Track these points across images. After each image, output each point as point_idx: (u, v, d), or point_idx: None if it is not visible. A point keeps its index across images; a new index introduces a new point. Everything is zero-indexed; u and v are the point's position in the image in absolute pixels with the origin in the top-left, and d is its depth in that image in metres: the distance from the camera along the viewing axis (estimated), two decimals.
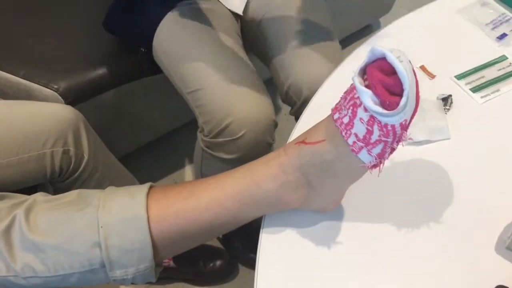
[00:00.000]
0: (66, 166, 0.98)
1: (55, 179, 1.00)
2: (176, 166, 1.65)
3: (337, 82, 0.88)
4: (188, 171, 1.63)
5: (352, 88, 0.57)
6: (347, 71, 0.89)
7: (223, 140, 1.02)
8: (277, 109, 1.40)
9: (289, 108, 1.14)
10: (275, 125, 1.06)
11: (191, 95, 1.06)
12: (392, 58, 0.52)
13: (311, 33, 1.08)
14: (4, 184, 0.88)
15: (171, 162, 1.66)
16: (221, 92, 1.00)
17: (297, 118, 1.13)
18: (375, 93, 0.53)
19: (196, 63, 1.03)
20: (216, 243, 1.48)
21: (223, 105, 0.99)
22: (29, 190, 0.96)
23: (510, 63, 0.91)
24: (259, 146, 1.04)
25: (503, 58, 0.92)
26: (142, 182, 1.28)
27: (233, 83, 1.01)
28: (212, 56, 1.04)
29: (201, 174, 1.21)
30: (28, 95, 1.14)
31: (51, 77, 1.13)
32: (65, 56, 1.20)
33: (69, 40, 1.22)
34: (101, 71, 1.20)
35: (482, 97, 0.86)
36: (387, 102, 0.52)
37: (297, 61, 1.05)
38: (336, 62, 1.04)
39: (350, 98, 0.57)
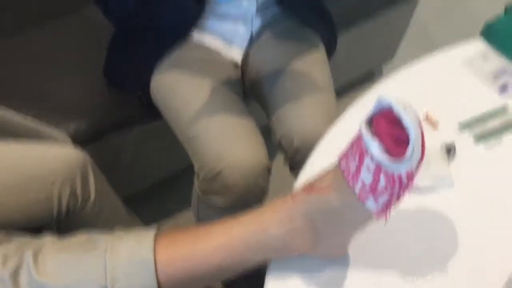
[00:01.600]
0: (73, 206, 0.99)
1: (61, 219, 1.00)
2: (180, 208, 1.65)
3: (342, 130, 0.90)
4: (191, 214, 1.63)
5: (359, 136, 0.58)
6: (352, 119, 0.91)
7: (216, 185, 1.03)
8: (275, 153, 1.42)
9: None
10: (269, 170, 1.07)
11: (187, 142, 1.08)
12: (398, 109, 0.54)
13: (306, 85, 1.10)
14: (11, 224, 0.88)
15: (175, 204, 1.66)
16: (215, 139, 1.02)
17: (290, 167, 1.14)
18: (382, 143, 0.54)
19: (192, 110, 1.06)
20: (220, 287, 1.47)
21: (216, 152, 1.01)
22: (34, 229, 0.96)
23: None
24: (253, 191, 1.05)
25: (505, 108, 0.94)
26: (146, 223, 1.29)
27: (228, 130, 1.03)
28: (208, 103, 1.06)
29: (198, 219, 1.22)
30: (38, 136, 1.15)
31: (61, 119, 1.16)
32: (75, 99, 1.23)
33: (79, 84, 1.25)
34: (108, 114, 1.23)
35: (485, 146, 0.87)
36: (394, 152, 0.54)
37: (290, 113, 1.08)
38: (329, 114, 1.07)
39: (357, 147, 0.58)
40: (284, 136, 1.08)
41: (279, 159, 1.17)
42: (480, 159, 0.85)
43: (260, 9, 1.18)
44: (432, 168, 0.81)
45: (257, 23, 1.19)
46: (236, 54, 1.20)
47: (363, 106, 0.93)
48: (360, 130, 0.56)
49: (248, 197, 1.05)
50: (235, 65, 1.21)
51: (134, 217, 1.22)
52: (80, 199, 0.99)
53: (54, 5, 1.45)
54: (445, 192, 0.80)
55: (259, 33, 1.21)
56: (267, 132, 1.14)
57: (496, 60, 1.04)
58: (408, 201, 0.76)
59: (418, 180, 0.79)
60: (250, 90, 1.24)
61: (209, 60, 1.15)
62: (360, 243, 0.70)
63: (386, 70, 2.15)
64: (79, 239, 0.65)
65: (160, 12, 1.01)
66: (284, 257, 0.67)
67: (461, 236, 0.74)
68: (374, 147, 0.54)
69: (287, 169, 1.16)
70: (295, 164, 1.10)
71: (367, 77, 2.08)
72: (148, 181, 1.53)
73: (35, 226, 0.96)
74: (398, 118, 0.54)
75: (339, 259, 0.69)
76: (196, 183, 1.12)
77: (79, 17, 1.42)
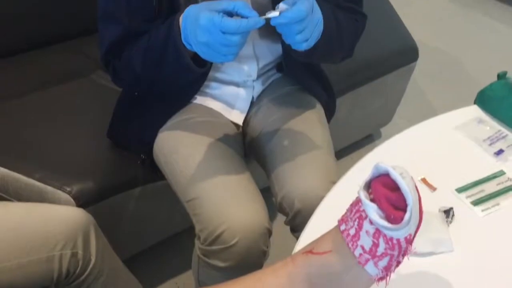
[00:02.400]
0: (73, 269, 0.98)
1: (61, 282, 0.99)
2: (179, 270, 1.64)
3: (342, 193, 0.91)
4: (190, 276, 1.62)
5: (358, 200, 0.60)
6: (351, 182, 0.93)
7: (217, 248, 1.03)
8: (276, 214, 1.42)
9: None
10: (269, 233, 1.07)
11: (188, 204, 1.09)
12: (395, 175, 0.55)
13: (305, 146, 1.12)
14: (11, 286, 0.88)
15: (175, 266, 1.65)
16: (216, 202, 1.03)
17: (291, 229, 1.15)
18: (380, 208, 0.56)
19: (193, 172, 1.07)
20: None
21: (217, 214, 1.02)
22: None
23: (508, 178, 0.94)
24: (253, 254, 1.05)
25: (501, 173, 0.96)
26: (145, 284, 1.27)
27: (228, 192, 1.05)
28: (209, 166, 1.08)
29: (198, 281, 1.21)
30: (41, 197, 1.17)
31: (64, 180, 1.17)
32: (78, 160, 1.25)
33: (83, 145, 1.28)
34: (111, 175, 1.24)
35: (482, 210, 0.88)
36: (392, 217, 0.55)
37: (290, 175, 1.09)
38: (329, 176, 1.08)
39: (356, 211, 0.59)
40: (284, 198, 1.09)
41: (280, 220, 1.17)
42: (478, 223, 0.86)
43: (261, 75, 1.22)
44: (431, 232, 0.82)
45: (258, 88, 1.23)
46: (237, 117, 1.23)
47: (362, 169, 0.95)
48: (358, 195, 0.58)
49: (249, 259, 1.05)
50: (236, 126, 1.23)
51: (133, 279, 1.21)
52: (80, 262, 0.99)
53: (62, 68, 1.50)
54: (445, 256, 0.80)
55: (260, 96, 1.24)
56: (268, 193, 1.15)
57: (491, 125, 1.07)
58: (408, 265, 0.76)
59: (418, 245, 0.80)
60: (251, 151, 1.26)
61: (211, 122, 1.18)
62: None
63: (384, 132, 2.19)
64: None
65: (166, 78, 1.04)
66: None
67: None
68: (373, 212, 0.55)
69: (288, 229, 1.16)
70: (296, 226, 1.10)
71: (366, 139, 2.11)
72: (149, 241, 1.53)
73: None
74: (396, 183, 0.56)
75: None
76: (197, 244, 1.12)
77: (86, 81, 1.47)
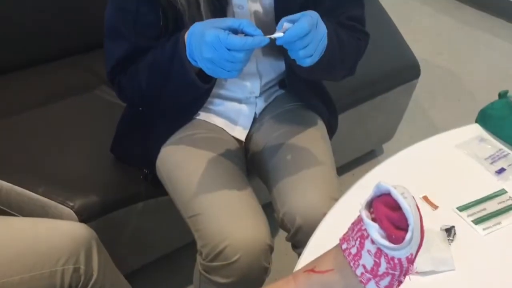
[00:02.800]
0: (75, 284, 0.98)
1: None
2: (181, 285, 1.63)
3: (343, 211, 0.91)
4: None
5: (359, 219, 0.60)
6: (352, 200, 0.93)
7: (218, 264, 1.03)
8: (277, 230, 1.41)
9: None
10: (271, 249, 1.07)
11: (190, 220, 1.09)
12: (396, 195, 0.56)
13: (308, 164, 1.13)
14: None
15: (175, 281, 1.64)
16: (218, 218, 1.04)
17: (293, 245, 1.15)
18: (382, 227, 0.56)
19: (196, 189, 1.08)
20: None
21: (219, 230, 1.02)
22: None
23: (510, 197, 0.95)
24: (255, 270, 1.05)
25: (502, 192, 0.96)
26: None
27: (230, 208, 1.05)
28: (212, 183, 1.09)
29: None
30: (44, 211, 1.17)
31: (67, 195, 1.18)
32: (81, 175, 1.25)
33: (85, 160, 1.29)
34: (114, 190, 1.25)
35: (484, 229, 0.89)
36: (393, 236, 0.55)
37: (292, 191, 1.09)
38: (331, 192, 1.08)
39: (357, 230, 0.60)
40: (286, 214, 1.09)
41: (282, 236, 1.16)
42: (479, 242, 0.87)
43: (264, 91, 1.23)
44: (433, 251, 0.82)
45: (260, 104, 1.24)
46: (240, 133, 1.24)
47: (363, 187, 0.95)
48: (360, 214, 0.58)
49: (251, 275, 1.05)
50: (239, 142, 1.24)
51: None
52: (82, 278, 0.99)
53: (66, 83, 1.52)
54: (446, 275, 0.80)
55: (263, 113, 1.25)
56: (270, 209, 1.15)
57: (492, 144, 1.07)
58: (410, 284, 0.76)
59: (420, 264, 0.80)
60: (253, 166, 1.27)
61: (214, 138, 1.19)
62: None
63: (386, 149, 2.20)
64: None
65: (171, 93, 1.05)
66: None
67: None
68: (374, 231, 0.56)
69: (289, 246, 1.16)
70: (298, 242, 1.10)
71: (368, 155, 2.11)
72: (150, 256, 1.53)
73: None
74: (397, 203, 0.56)
75: None
76: (198, 260, 1.12)
77: (90, 95, 1.48)
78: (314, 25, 0.86)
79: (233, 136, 1.23)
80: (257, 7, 1.05)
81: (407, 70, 1.84)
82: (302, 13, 0.86)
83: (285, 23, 0.85)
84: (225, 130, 1.22)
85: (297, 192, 1.09)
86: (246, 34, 0.84)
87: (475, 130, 1.11)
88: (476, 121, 1.13)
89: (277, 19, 1.05)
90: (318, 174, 1.12)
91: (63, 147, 1.31)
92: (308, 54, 0.88)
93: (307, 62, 0.90)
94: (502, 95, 1.12)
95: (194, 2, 0.98)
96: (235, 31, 0.84)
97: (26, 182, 1.20)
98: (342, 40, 1.03)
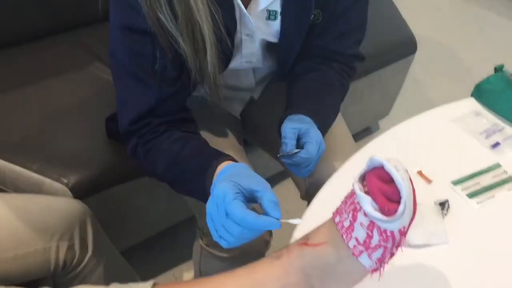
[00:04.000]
0: (70, 260, 0.99)
1: (58, 273, 1.00)
2: (177, 261, 1.64)
3: (338, 185, 0.91)
4: (189, 266, 1.63)
5: (352, 193, 0.60)
6: (347, 175, 0.93)
7: None
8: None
9: (292, 201, 1.16)
10: None
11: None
12: (389, 168, 0.56)
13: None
14: (8, 277, 0.89)
15: (173, 257, 1.65)
16: None
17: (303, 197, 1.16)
18: (374, 200, 0.56)
19: None
20: None
21: None
22: (31, 283, 0.96)
23: (504, 171, 0.95)
24: (256, 244, 1.05)
25: (497, 165, 0.96)
26: (143, 276, 1.28)
27: None
28: None
29: (200, 271, 1.21)
30: (38, 188, 1.17)
31: (61, 172, 1.17)
32: (76, 151, 1.24)
33: (80, 137, 1.28)
34: (109, 167, 1.24)
35: (478, 202, 0.89)
36: (386, 209, 0.55)
37: None
38: (344, 148, 1.10)
39: (350, 203, 0.60)
40: (313, 184, 1.07)
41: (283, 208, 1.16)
42: (473, 215, 0.87)
43: (260, 82, 1.21)
44: (426, 224, 0.82)
45: (257, 91, 1.23)
46: (236, 110, 1.23)
47: (358, 162, 0.95)
48: (353, 187, 0.58)
49: (252, 249, 1.05)
50: (236, 117, 1.23)
51: (131, 270, 1.22)
52: (77, 254, 0.99)
53: (60, 60, 1.50)
54: (439, 248, 0.81)
55: (260, 95, 1.24)
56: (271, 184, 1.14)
57: (488, 118, 1.07)
58: (403, 257, 0.77)
59: (413, 237, 0.80)
60: (254, 138, 1.26)
61: (209, 111, 1.17)
62: None
63: (382, 125, 2.19)
64: None
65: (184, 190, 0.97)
66: None
67: None
68: (367, 204, 0.56)
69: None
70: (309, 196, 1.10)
71: (363, 131, 2.11)
72: (146, 233, 1.53)
73: (32, 279, 0.96)
74: (390, 176, 0.56)
75: None
76: (199, 235, 1.12)
77: (84, 72, 1.47)
78: (317, 148, 0.88)
79: (230, 112, 1.22)
80: (264, 35, 0.99)
81: (403, 46, 1.82)
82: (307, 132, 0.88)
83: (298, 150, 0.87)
84: (221, 107, 1.21)
85: (322, 161, 1.02)
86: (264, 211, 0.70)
87: (471, 104, 1.11)
88: (472, 96, 1.13)
89: (280, 51, 1.03)
90: (338, 140, 1.11)
91: (57, 124, 1.30)
92: (309, 171, 0.91)
93: (306, 174, 0.92)
94: (498, 69, 1.11)
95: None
96: (253, 198, 0.72)
97: (19, 159, 1.19)
98: (331, 116, 1.05)
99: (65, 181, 1.17)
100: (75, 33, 1.60)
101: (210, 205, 0.72)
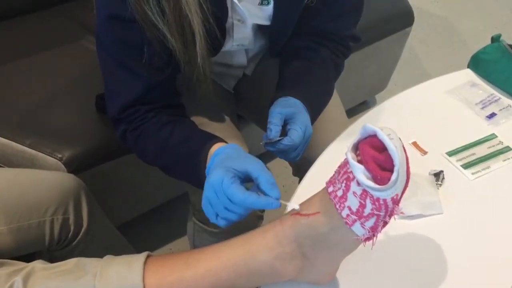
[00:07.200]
0: (65, 235, 0.99)
1: (53, 247, 1.00)
2: (173, 236, 1.65)
3: (332, 157, 0.91)
4: (185, 241, 1.63)
5: (346, 162, 0.60)
6: (341, 146, 0.92)
7: None
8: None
9: (287, 176, 1.15)
10: None
11: None
12: (382, 136, 0.55)
13: None
14: (3, 251, 0.88)
15: (168, 232, 1.66)
16: None
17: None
18: (367, 169, 0.55)
19: None
20: None
21: None
22: (26, 257, 0.96)
23: (500, 142, 0.94)
24: (249, 218, 1.04)
25: (492, 136, 0.95)
26: (139, 251, 1.28)
27: None
28: None
29: (194, 247, 1.21)
30: (32, 163, 1.16)
31: (55, 147, 1.16)
32: (69, 126, 1.23)
33: (73, 111, 1.27)
34: (103, 142, 1.23)
35: (473, 173, 0.88)
36: (379, 177, 0.55)
37: None
38: (338, 122, 1.09)
39: (343, 172, 0.59)
40: (306, 158, 1.03)
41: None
42: (468, 186, 0.86)
43: (252, 61, 1.19)
44: (421, 195, 0.82)
45: (250, 68, 1.21)
46: (229, 85, 1.21)
47: (352, 133, 0.95)
48: (346, 157, 0.58)
49: (245, 223, 1.04)
50: (229, 92, 1.22)
51: (127, 245, 1.22)
52: (72, 228, 0.99)
53: (51, 33, 1.48)
54: (434, 218, 0.80)
55: (253, 70, 1.22)
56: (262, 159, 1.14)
57: (484, 89, 1.06)
58: (397, 227, 0.77)
59: (407, 208, 0.80)
60: (247, 113, 1.24)
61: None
62: (348, 268, 0.71)
63: (379, 99, 2.18)
64: (68, 264, 0.65)
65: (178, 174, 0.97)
66: (274, 283, 0.68)
67: (450, 261, 0.74)
68: (360, 173, 0.55)
69: (283, 193, 1.16)
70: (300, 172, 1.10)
71: (360, 105, 2.10)
72: (142, 208, 1.54)
73: (27, 252, 0.96)
74: (383, 144, 0.55)
75: (328, 284, 0.70)
76: (192, 211, 1.12)
77: (76, 46, 1.45)
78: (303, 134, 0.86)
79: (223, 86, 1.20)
80: (257, 20, 0.97)
81: (400, 18, 1.80)
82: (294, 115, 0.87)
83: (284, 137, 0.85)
84: (215, 81, 1.20)
85: (313, 138, 1.00)
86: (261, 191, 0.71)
87: (467, 75, 1.10)
88: (468, 67, 1.12)
89: (272, 33, 1.02)
90: (330, 116, 1.10)
91: (50, 98, 1.29)
92: (297, 155, 0.90)
93: (294, 159, 0.90)
94: (495, 39, 1.10)
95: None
96: (249, 179, 0.73)
97: (13, 134, 1.18)
98: (320, 93, 1.02)
99: (59, 155, 1.16)
100: (67, 6, 1.58)
101: (208, 193, 0.73)
